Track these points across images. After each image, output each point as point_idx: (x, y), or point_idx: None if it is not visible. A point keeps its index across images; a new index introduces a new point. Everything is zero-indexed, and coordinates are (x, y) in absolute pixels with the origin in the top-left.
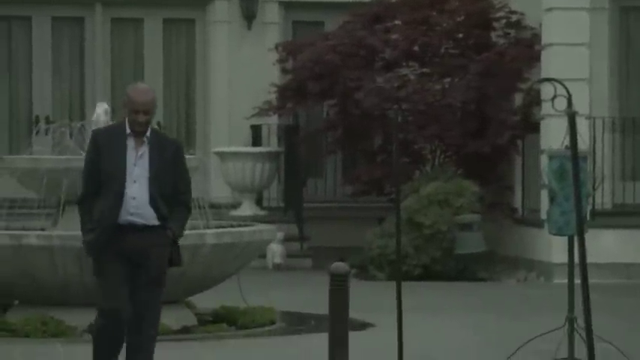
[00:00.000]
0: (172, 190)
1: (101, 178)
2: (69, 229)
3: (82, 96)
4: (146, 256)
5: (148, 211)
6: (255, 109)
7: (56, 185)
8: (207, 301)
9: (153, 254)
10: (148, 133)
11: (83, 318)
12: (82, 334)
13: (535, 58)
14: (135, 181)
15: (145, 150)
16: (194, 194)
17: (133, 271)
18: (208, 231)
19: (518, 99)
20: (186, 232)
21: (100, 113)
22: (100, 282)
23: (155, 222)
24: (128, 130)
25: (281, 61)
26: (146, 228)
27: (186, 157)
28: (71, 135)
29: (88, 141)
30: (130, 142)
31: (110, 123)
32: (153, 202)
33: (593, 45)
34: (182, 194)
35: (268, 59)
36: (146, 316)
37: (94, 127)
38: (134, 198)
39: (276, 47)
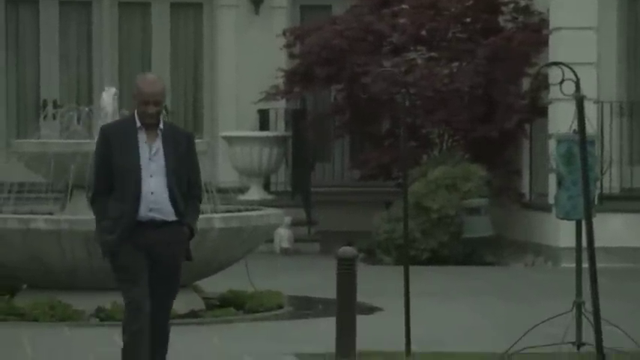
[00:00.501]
0: (187, 183)
1: (114, 175)
2: (77, 214)
3: (89, 80)
4: (163, 252)
5: (167, 206)
6: (263, 94)
7: (64, 169)
8: (214, 285)
9: (170, 251)
10: (161, 125)
11: (91, 302)
12: (89, 317)
13: (543, 43)
14: (151, 176)
15: (159, 144)
16: (203, 178)
17: (150, 266)
18: (216, 215)
19: (525, 83)
20: None
21: (108, 98)
22: (121, 276)
23: (173, 217)
24: (139, 124)
25: (288, 46)
26: (165, 224)
27: (196, 141)
28: (79, 119)
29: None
30: (142, 136)
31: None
32: (172, 196)
33: (601, 29)
34: (195, 187)
35: (276, 43)
36: (160, 312)
37: (102, 113)
38: (152, 193)
39: (284, 33)
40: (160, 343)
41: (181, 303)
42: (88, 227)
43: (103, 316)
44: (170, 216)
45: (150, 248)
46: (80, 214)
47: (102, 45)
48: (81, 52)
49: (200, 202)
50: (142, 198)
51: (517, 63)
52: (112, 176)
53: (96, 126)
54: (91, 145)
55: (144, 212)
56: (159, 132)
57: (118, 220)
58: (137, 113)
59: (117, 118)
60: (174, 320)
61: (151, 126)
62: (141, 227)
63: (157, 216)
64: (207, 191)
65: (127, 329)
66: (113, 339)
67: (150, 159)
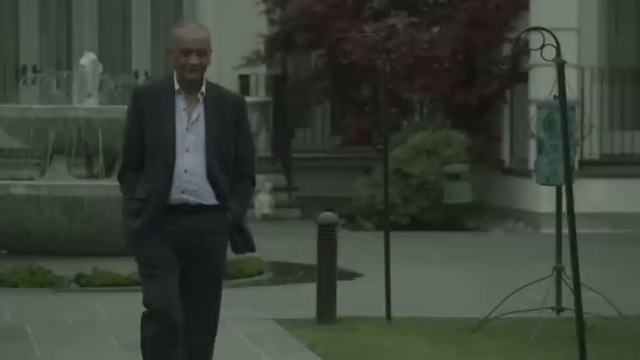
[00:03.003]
0: (233, 159)
1: (146, 147)
2: (56, 179)
3: (68, 45)
4: (200, 245)
5: (204, 187)
6: (244, 59)
7: (43, 135)
8: None
9: (207, 244)
10: (203, 88)
11: (71, 268)
12: (69, 283)
13: (521, 7)
14: (187, 150)
15: (200, 111)
16: None
17: (183, 264)
18: None
19: (506, 49)
20: None
21: (87, 62)
22: (143, 270)
23: (213, 201)
24: (177, 86)
25: (268, 11)
26: (202, 209)
27: None
28: (58, 84)
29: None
30: (180, 102)
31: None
32: (211, 175)
33: None
34: (245, 164)
35: (256, 9)
36: (202, 318)
37: (78, 76)
38: (186, 171)
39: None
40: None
41: None
42: (68, 193)
43: (83, 282)
44: (209, 198)
45: (182, 240)
46: (60, 179)
47: (81, 10)
48: (60, 17)
49: (253, 185)
50: (175, 177)
51: (496, 28)
52: (143, 148)
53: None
54: (70, 110)
55: (175, 194)
56: (200, 96)
57: (144, 202)
58: (175, 72)
59: (96, 83)
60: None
61: (192, 87)
62: (172, 212)
63: (191, 199)
64: None
65: (144, 343)
66: (93, 305)
67: (187, 129)
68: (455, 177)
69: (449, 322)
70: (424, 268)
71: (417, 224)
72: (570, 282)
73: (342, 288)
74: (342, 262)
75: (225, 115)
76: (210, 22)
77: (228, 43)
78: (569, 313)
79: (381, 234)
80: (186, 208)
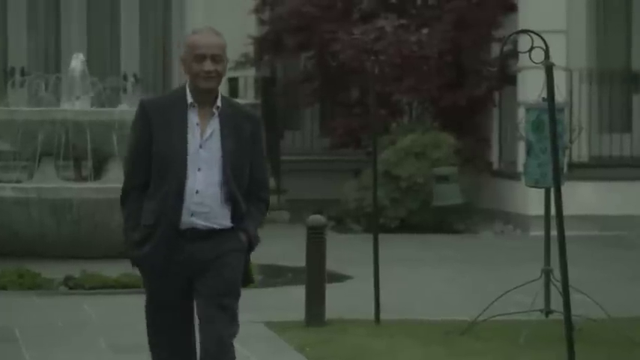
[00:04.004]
0: (250, 181)
1: (153, 165)
2: (45, 182)
3: (57, 47)
4: (208, 274)
5: (216, 209)
6: (233, 63)
7: (32, 137)
8: None
9: (218, 272)
10: (219, 101)
11: (59, 270)
12: (58, 286)
13: (509, 7)
14: (199, 169)
15: (215, 126)
16: None
17: (195, 285)
18: None
19: (495, 51)
20: None
21: (76, 64)
22: (147, 304)
23: (225, 223)
24: (190, 99)
25: (257, 10)
26: (212, 234)
27: None
28: (46, 87)
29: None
30: (193, 116)
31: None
32: (227, 196)
33: None
34: (260, 187)
35: (245, 9)
36: (218, 338)
37: (68, 79)
38: (198, 192)
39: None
40: None
41: None
42: (56, 195)
43: (71, 285)
44: (220, 222)
45: (189, 267)
46: (48, 182)
47: (70, 12)
48: (49, 19)
49: (267, 209)
50: (185, 198)
51: (484, 29)
52: (150, 166)
53: (64, 93)
54: (59, 112)
55: (184, 217)
56: (215, 110)
57: (151, 228)
58: (188, 83)
59: (86, 85)
60: (140, 289)
61: (206, 99)
62: (179, 238)
63: (201, 223)
64: None
65: None
66: (82, 307)
67: (201, 146)
68: (444, 179)
69: (438, 325)
70: (413, 270)
71: (406, 226)
72: (559, 284)
73: (331, 290)
74: (331, 264)
75: (241, 132)
76: (199, 24)
77: None
78: (558, 316)
79: (370, 236)
80: (195, 234)
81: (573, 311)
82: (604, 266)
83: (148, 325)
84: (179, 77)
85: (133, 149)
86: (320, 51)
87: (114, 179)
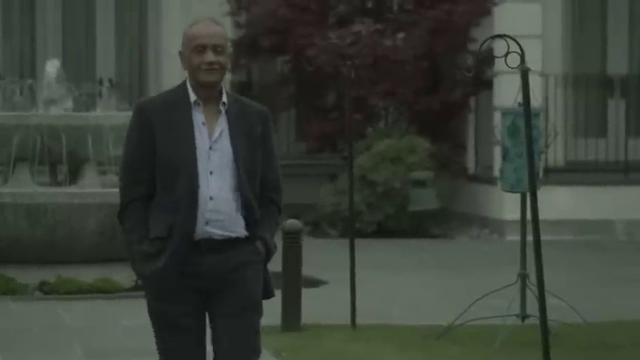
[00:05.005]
0: (261, 182)
1: (157, 173)
2: (20, 187)
3: (32, 52)
4: (230, 283)
5: (232, 216)
6: None
7: (7, 142)
8: None
9: (241, 273)
10: (225, 98)
11: (34, 275)
12: (33, 291)
13: (483, 13)
14: (211, 173)
15: (223, 124)
16: None
17: (211, 304)
18: None
19: (470, 56)
20: None
21: (51, 69)
22: (155, 324)
23: (242, 232)
24: (193, 97)
25: (232, 13)
26: (229, 243)
27: None
28: (21, 91)
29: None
30: (198, 115)
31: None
32: (243, 202)
33: (546, 1)
34: (272, 189)
35: (222, 12)
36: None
37: (44, 84)
38: (212, 198)
39: (229, 0)
40: None
41: (125, 277)
42: (32, 200)
43: (46, 289)
44: (237, 230)
45: (205, 282)
46: (23, 186)
47: (45, 17)
48: (23, 24)
49: (280, 212)
50: (199, 206)
51: (460, 34)
52: (152, 175)
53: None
54: (34, 117)
55: (199, 227)
56: (222, 108)
57: (162, 240)
58: (188, 79)
59: (61, 91)
60: (120, 293)
61: (210, 95)
62: (192, 250)
63: (216, 232)
64: None
65: None
66: (57, 312)
67: (210, 147)
68: (420, 184)
69: (414, 329)
70: (389, 275)
71: (382, 231)
72: (535, 289)
73: (307, 295)
74: (307, 269)
75: (251, 130)
76: (176, 29)
77: None
78: (534, 320)
79: (346, 241)
80: (210, 244)
81: (549, 316)
82: (580, 271)
83: (160, 353)
84: (155, 80)
85: (132, 158)
86: (296, 55)
87: (89, 184)
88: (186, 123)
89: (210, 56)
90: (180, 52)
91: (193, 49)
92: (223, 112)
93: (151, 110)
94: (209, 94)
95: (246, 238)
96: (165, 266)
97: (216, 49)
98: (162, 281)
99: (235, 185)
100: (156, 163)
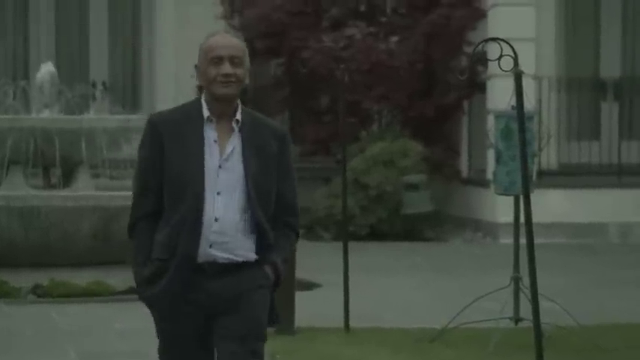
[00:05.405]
0: (277, 205)
1: (165, 190)
2: (13, 189)
3: (26, 55)
4: (235, 307)
5: (238, 238)
6: None
7: (0, 145)
8: None
9: (247, 303)
10: (239, 114)
11: (28, 278)
12: (26, 294)
13: (480, 17)
14: (219, 193)
15: (235, 143)
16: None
17: (215, 328)
18: None
19: (464, 59)
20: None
21: (45, 72)
22: (160, 346)
23: (248, 255)
24: (207, 113)
25: (225, 17)
26: (233, 268)
27: (132, 117)
28: (15, 94)
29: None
30: (210, 131)
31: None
32: (253, 223)
33: (540, 5)
34: (289, 213)
35: (215, 15)
36: None
37: (37, 87)
38: (217, 219)
39: (222, 2)
40: None
41: (119, 280)
42: (25, 203)
43: (40, 293)
44: (242, 254)
45: (207, 307)
46: (16, 189)
47: (38, 20)
48: (17, 26)
49: (297, 237)
50: (202, 227)
51: (454, 38)
52: (161, 191)
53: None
54: (27, 120)
55: (202, 249)
56: (235, 125)
57: (163, 262)
58: (204, 94)
59: (55, 94)
60: (113, 297)
61: (224, 110)
62: (195, 274)
63: (220, 255)
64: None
65: None
66: (50, 315)
67: (220, 166)
68: (413, 187)
69: (408, 332)
70: (383, 278)
71: (375, 234)
72: (528, 292)
73: (301, 298)
74: (301, 272)
75: (266, 149)
76: (170, 31)
77: (187, 54)
78: (527, 323)
79: (339, 244)
80: (213, 268)
81: (542, 319)
82: (573, 274)
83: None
84: (149, 83)
85: (142, 173)
86: (289, 58)
87: (83, 187)
88: (197, 139)
89: (227, 68)
90: (195, 66)
91: (210, 60)
92: (237, 129)
93: (163, 124)
94: (224, 109)
95: (255, 261)
96: (165, 288)
97: (234, 60)
98: (162, 304)
99: (245, 206)
100: (164, 179)
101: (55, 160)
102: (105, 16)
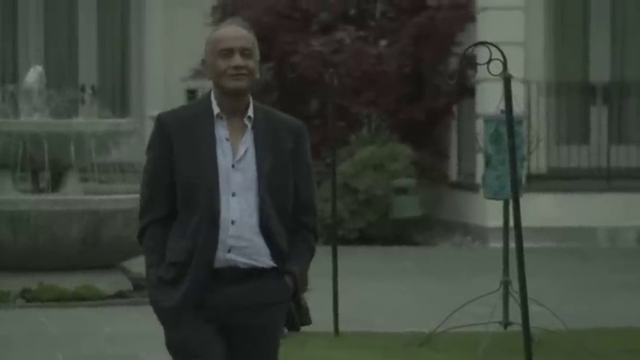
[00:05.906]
0: (294, 205)
1: (178, 193)
2: (1, 194)
3: (14, 59)
4: (253, 323)
5: (257, 243)
6: (192, 71)
7: None
8: (142, 266)
9: (266, 319)
10: (251, 110)
11: (16, 283)
12: (15, 298)
13: (469, 19)
14: (234, 194)
15: (248, 141)
16: (131, 158)
17: (229, 341)
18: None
19: (453, 63)
20: (122, 196)
21: (34, 76)
22: (175, 355)
23: (268, 262)
24: (217, 109)
25: (214, 23)
26: (254, 273)
27: (122, 121)
28: (3, 98)
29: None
30: (221, 130)
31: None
32: (266, 227)
33: (529, 9)
34: (307, 213)
35: (204, 20)
36: None
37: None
38: (233, 222)
39: (213, 12)
40: None
41: (108, 284)
42: (14, 207)
43: (29, 297)
44: (263, 260)
45: (227, 315)
46: (5, 194)
47: (27, 23)
48: (6, 30)
49: (316, 239)
50: (219, 230)
51: (443, 42)
52: (173, 194)
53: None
54: (16, 124)
55: (219, 254)
56: (247, 121)
57: (180, 266)
58: (213, 90)
59: (43, 97)
60: (102, 301)
61: (236, 106)
62: (214, 279)
63: (241, 260)
64: (134, 172)
65: None
66: (39, 319)
67: (233, 166)
68: (402, 191)
69: (397, 336)
70: (372, 282)
71: (364, 238)
72: (517, 296)
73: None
74: None
75: (280, 146)
76: (159, 35)
77: (176, 56)
78: (517, 327)
79: (328, 248)
80: (234, 274)
81: (531, 323)
82: (562, 278)
83: None
84: (138, 86)
85: (151, 176)
86: (279, 62)
87: (72, 191)
88: (208, 139)
89: (237, 60)
90: (203, 61)
91: (219, 53)
92: (249, 126)
93: (171, 124)
94: (235, 105)
95: (274, 270)
96: (184, 297)
97: (244, 52)
98: (178, 313)
99: (261, 208)
100: (176, 181)
101: (43, 164)
102: (94, 20)
